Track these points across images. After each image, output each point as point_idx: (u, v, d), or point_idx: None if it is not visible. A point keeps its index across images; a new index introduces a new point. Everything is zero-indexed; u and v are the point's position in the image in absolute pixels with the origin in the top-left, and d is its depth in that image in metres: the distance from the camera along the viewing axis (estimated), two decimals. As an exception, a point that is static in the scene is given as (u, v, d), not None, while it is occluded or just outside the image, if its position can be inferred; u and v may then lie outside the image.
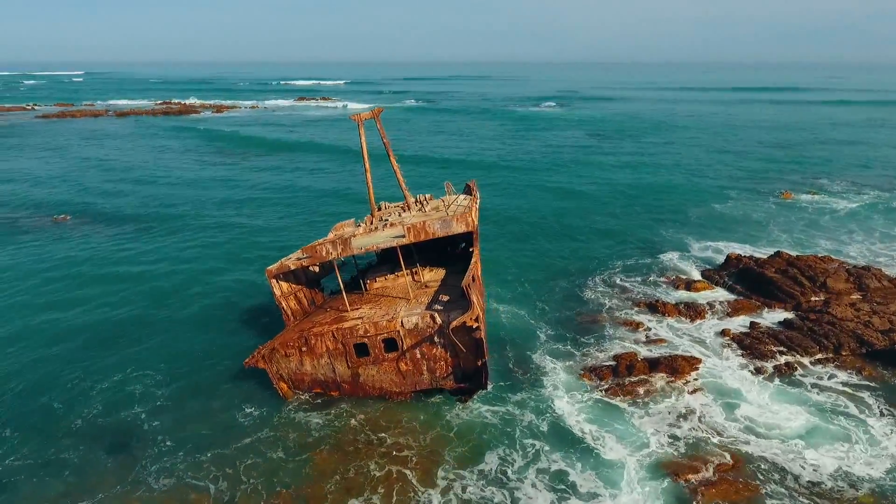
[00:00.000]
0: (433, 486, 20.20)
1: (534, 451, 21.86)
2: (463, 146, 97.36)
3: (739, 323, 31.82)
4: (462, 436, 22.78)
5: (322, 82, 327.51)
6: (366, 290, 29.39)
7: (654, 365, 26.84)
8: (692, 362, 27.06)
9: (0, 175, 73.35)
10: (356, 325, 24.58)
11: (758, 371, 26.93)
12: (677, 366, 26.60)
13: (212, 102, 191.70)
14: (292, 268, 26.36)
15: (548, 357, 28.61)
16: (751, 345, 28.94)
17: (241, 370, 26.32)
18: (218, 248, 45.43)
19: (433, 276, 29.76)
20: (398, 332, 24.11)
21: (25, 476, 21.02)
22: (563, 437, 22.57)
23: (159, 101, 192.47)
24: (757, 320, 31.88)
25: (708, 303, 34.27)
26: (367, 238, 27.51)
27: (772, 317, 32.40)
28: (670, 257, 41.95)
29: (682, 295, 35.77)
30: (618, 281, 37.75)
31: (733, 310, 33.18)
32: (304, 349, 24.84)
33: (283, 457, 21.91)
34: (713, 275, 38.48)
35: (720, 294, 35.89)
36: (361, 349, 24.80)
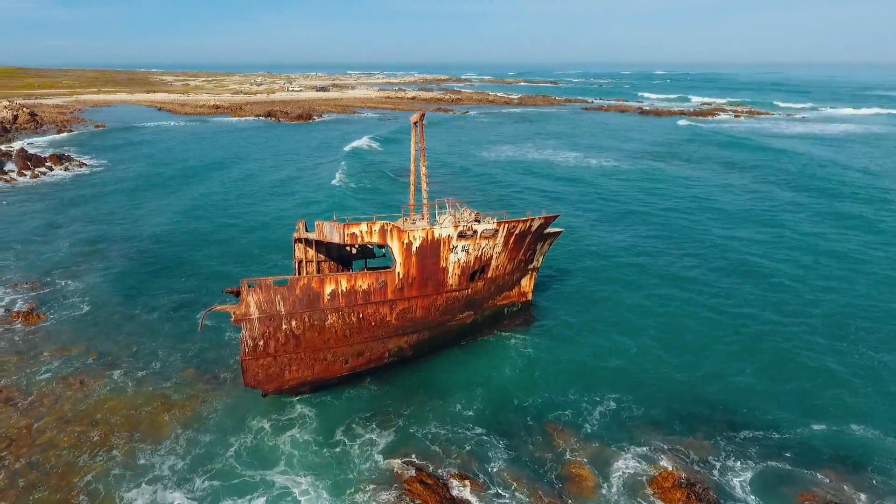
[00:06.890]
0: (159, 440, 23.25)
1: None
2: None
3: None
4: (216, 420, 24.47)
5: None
6: None
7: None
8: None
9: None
10: None
11: None
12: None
13: (696, 107, 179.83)
14: (301, 236, 31.29)
15: (418, 423, 24.29)
16: None
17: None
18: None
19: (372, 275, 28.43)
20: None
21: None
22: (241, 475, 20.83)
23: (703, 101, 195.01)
24: None
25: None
26: (315, 232, 29.35)
27: None
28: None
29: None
30: (700, 431, 23.67)
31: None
32: None
33: (164, 353, 29.75)
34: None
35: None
36: None
